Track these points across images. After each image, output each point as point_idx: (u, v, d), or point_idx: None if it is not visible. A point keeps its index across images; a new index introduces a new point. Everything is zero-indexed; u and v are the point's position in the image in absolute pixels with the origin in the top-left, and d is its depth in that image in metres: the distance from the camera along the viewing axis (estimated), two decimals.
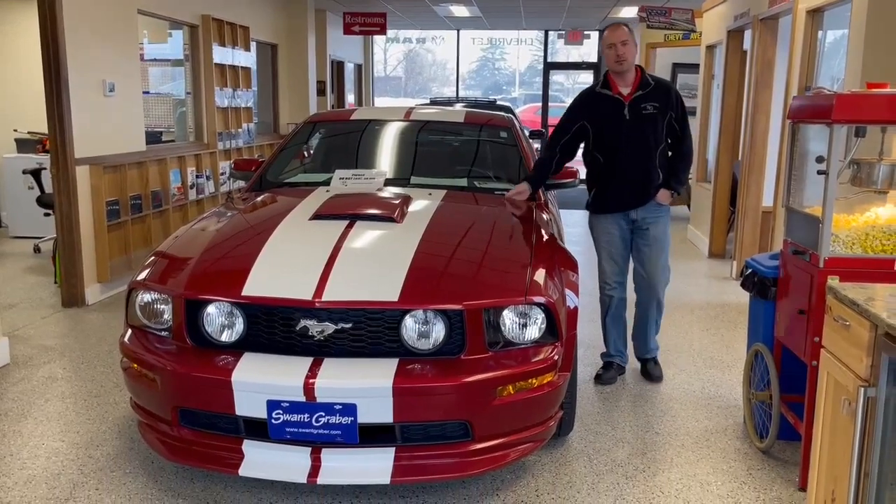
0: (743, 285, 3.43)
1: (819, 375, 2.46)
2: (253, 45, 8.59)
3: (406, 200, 3.48)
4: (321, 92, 10.86)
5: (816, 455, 2.52)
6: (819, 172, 2.78)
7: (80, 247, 5.39)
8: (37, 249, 7.13)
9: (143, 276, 2.97)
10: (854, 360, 2.18)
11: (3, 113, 8.32)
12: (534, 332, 2.81)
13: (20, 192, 7.72)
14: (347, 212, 3.26)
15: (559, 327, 2.84)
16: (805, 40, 5.31)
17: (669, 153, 3.85)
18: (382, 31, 11.54)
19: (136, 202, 6.01)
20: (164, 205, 6.41)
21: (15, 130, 8.36)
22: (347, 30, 11.37)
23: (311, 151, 4.75)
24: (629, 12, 11.11)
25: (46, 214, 6.78)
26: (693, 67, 9.42)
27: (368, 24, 11.31)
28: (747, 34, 6.82)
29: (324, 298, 2.66)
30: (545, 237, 3.34)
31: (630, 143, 3.75)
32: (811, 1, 5.21)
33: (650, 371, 4.10)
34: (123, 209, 5.82)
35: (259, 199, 3.82)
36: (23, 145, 8.13)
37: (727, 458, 3.25)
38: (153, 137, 6.85)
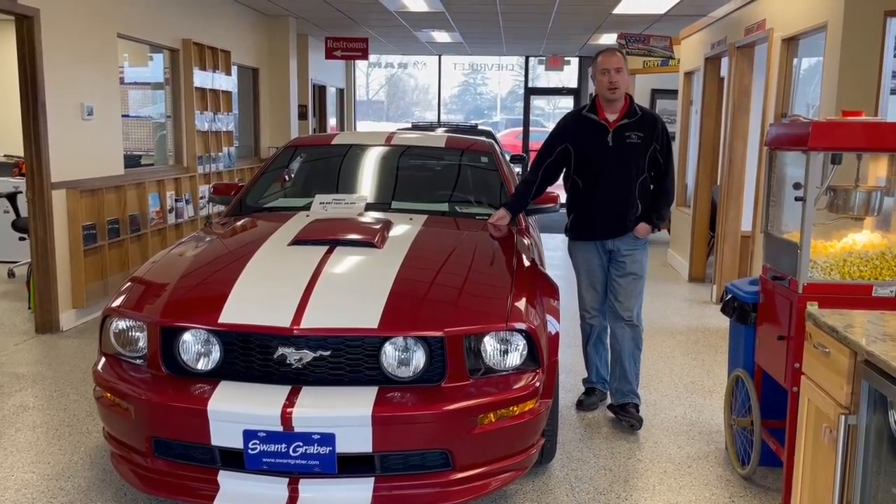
0: (723, 310, 3.43)
1: (800, 402, 2.45)
2: (234, 69, 8.59)
3: (387, 225, 3.46)
4: (303, 116, 10.86)
5: (798, 482, 2.51)
6: (797, 199, 2.80)
7: (56, 272, 5.31)
8: (11, 274, 7.01)
9: (117, 302, 2.91)
10: (834, 388, 2.18)
11: None
12: (515, 358, 2.78)
13: None
14: (327, 237, 3.23)
15: (540, 354, 2.82)
16: (781, 68, 5.40)
17: (651, 185, 3.80)
18: (364, 56, 11.58)
19: (114, 226, 5.93)
20: (143, 229, 6.34)
21: None
22: (329, 54, 11.41)
23: (293, 175, 4.73)
24: (608, 39, 11.26)
25: (21, 239, 6.67)
26: (672, 93, 9.54)
27: (350, 49, 11.35)
28: (724, 61, 6.93)
29: (302, 326, 2.62)
30: (526, 263, 3.33)
31: (611, 170, 3.71)
32: (786, 29, 5.31)
33: (624, 418, 3.74)
34: (100, 233, 5.75)
35: (238, 223, 3.79)
36: None
37: (709, 486, 3.23)
38: (132, 161, 6.79)
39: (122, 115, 6.45)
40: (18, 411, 3.88)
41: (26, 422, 3.76)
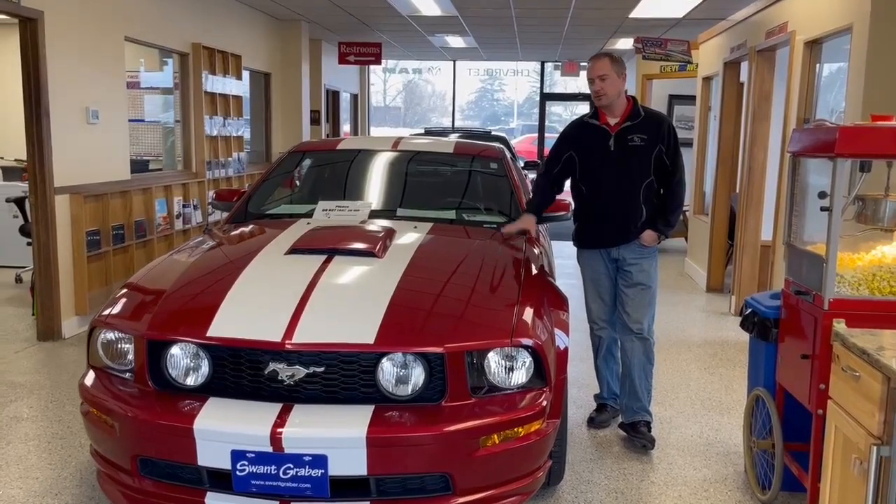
0: (742, 325, 3.26)
1: (826, 428, 2.28)
2: (246, 74, 8.51)
3: (389, 234, 3.32)
4: (315, 121, 10.77)
5: None
6: (822, 209, 2.62)
7: (58, 278, 5.22)
8: (18, 279, 6.95)
9: (106, 312, 2.79)
10: (865, 416, 2.00)
11: None
12: (520, 376, 2.63)
13: (5, 221, 7.55)
14: (326, 246, 3.10)
15: (547, 371, 2.66)
16: (803, 72, 5.21)
17: (661, 190, 3.64)
18: (377, 61, 11.49)
19: (119, 232, 5.85)
20: (149, 235, 6.25)
21: (1, 158, 8.25)
22: (342, 59, 11.32)
23: (300, 181, 4.61)
24: (625, 43, 11.08)
25: (30, 244, 6.61)
26: (690, 99, 9.34)
27: (363, 54, 11.26)
28: (744, 66, 6.74)
29: (294, 340, 2.48)
30: (534, 273, 3.18)
31: (613, 175, 3.57)
32: (809, 32, 5.12)
33: (636, 438, 3.58)
34: (105, 239, 5.66)
35: (237, 231, 3.66)
36: (8, 173, 8.01)
37: None
38: (140, 166, 6.72)
39: (135, 120, 6.36)
40: (11, 423, 3.78)
41: (18, 434, 3.65)
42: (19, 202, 6.85)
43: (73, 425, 3.75)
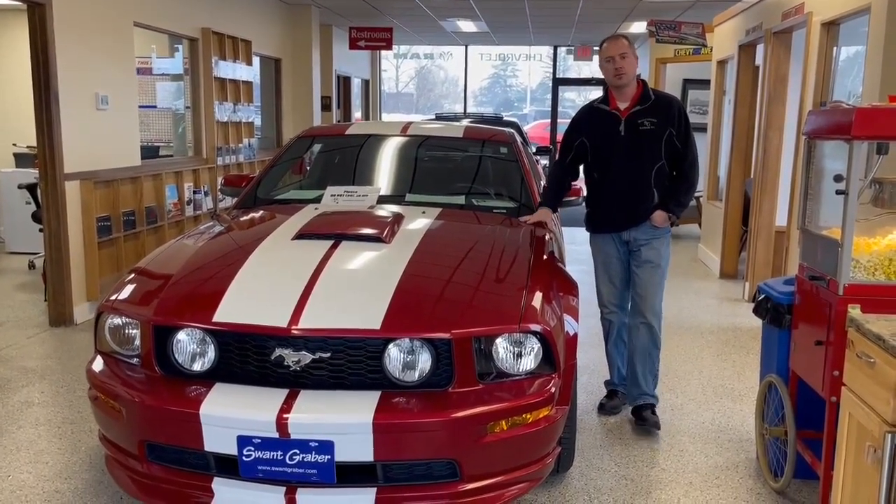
0: (755, 311, 3.21)
1: (840, 415, 2.24)
2: (256, 60, 8.47)
3: (397, 219, 3.29)
4: (326, 107, 10.74)
5: (837, 500, 2.30)
6: (838, 192, 2.57)
7: (69, 264, 5.24)
8: (31, 266, 6.99)
9: (113, 297, 2.79)
10: (880, 402, 1.96)
11: (2, 127, 8.24)
12: (529, 362, 2.60)
13: (18, 207, 7.61)
14: (333, 231, 3.07)
15: (556, 357, 2.63)
16: (820, 54, 5.11)
17: (673, 173, 3.61)
18: (388, 47, 11.42)
19: (130, 218, 5.85)
20: (160, 221, 6.26)
21: (14, 145, 8.28)
22: (353, 44, 11.26)
23: (309, 166, 4.58)
24: (639, 27, 10.95)
25: (42, 230, 6.64)
26: (704, 83, 9.22)
27: (374, 39, 11.19)
28: (759, 49, 6.63)
29: (300, 326, 2.46)
30: (544, 258, 3.14)
31: (624, 159, 3.54)
32: (826, 13, 5.02)
33: (642, 421, 3.59)
34: (115, 225, 5.67)
35: (245, 216, 3.65)
36: (21, 160, 8.04)
37: (739, 499, 3.01)
38: (150, 152, 6.71)
39: (145, 106, 6.34)
40: (23, 408, 3.80)
41: (29, 419, 3.67)
42: (31, 188, 6.87)
43: (83, 410, 3.76)
